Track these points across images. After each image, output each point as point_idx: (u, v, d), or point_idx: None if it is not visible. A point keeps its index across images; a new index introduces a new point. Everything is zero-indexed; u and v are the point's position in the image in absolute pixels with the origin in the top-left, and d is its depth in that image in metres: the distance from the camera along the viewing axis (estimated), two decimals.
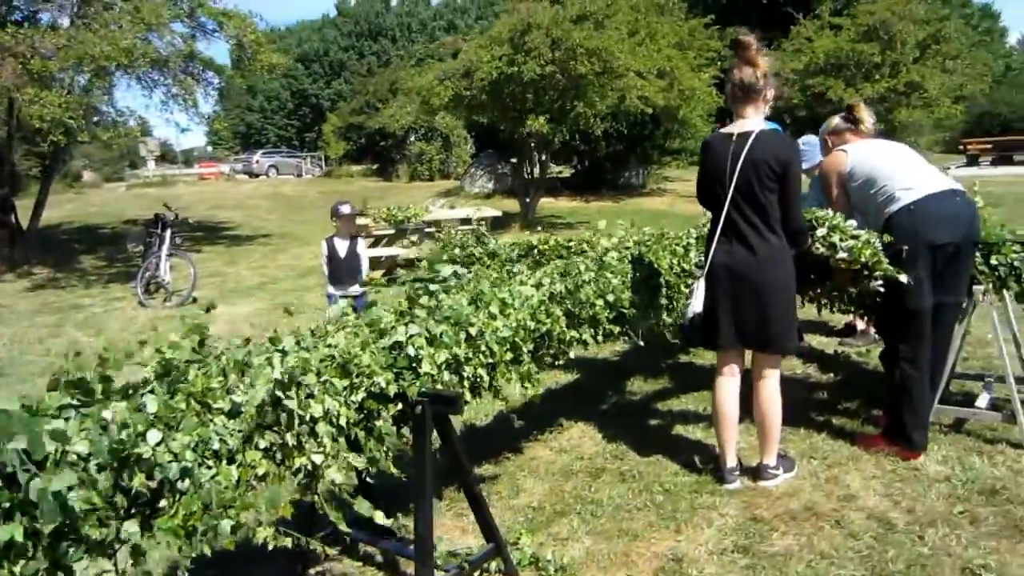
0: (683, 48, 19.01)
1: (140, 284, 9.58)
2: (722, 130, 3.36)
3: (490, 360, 3.08)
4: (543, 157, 14.55)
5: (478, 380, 3.04)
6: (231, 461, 2.12)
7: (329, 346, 2.53)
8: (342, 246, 5.69)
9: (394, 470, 2.59)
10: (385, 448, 2.60)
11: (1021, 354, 4.19)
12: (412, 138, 29.32)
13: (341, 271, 5.65)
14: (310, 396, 2.32)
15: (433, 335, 2.83)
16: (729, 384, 3.45)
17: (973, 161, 25.96)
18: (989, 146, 26.53)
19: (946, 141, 33.97)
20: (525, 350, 3.21)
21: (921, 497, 3.24)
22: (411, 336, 2.74)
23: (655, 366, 5.45)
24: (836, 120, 4.10)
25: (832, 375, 5.03)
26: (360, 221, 10.79)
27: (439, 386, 2.84)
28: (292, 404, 2.22)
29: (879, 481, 3.41)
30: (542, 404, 4.90)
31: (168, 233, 9.87)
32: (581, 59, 11.88)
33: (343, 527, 2.47)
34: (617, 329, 3.84)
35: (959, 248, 3.46)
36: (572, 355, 3.71)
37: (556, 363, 3.52)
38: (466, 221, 12.07)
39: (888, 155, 3.70)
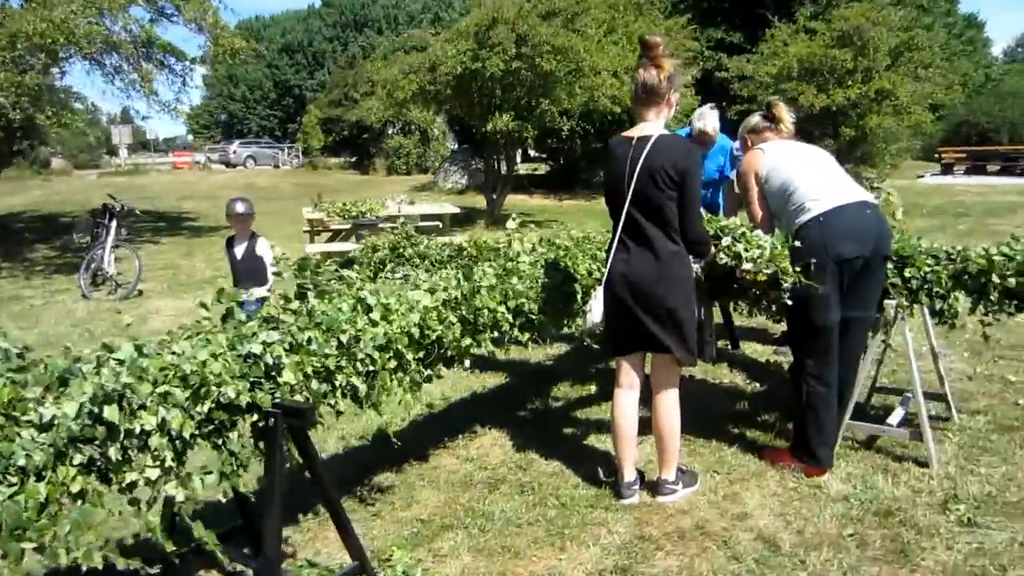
0: None
1: (85, 276, 9.38)
2: (623, 134, 3.24)
3: (370, 368, 2.96)
4: (511, 154, 14.42)
5: (354, 390, 2.92)
6: (39, 478, 1.98)
7: (174, 354, 2.39)
8: (239, 247, 5.24)
9: (241, 486, 2.47)
10: (238, 462, 2.47)
11: (939, 369, 4.11)
12: (390, 132, 29.09)
13: (239, 274, 5.20)
14: (142, 407, 2.18)
15: (299, 342, 2.71)
16: (627, 396, 3.34)
17: (948, 170, 26.04)
18: (963, 155, 26.62)
19: (924, 149, 34.13)
20: (411, 358, 3.09)
21: (815, 517, 3.14)
22: (269, 344, 2.61)
23: (584, 371, 5.34)
24: (756, 118, 3.98)
25: (758, 384, 4.94)
26: (314, 216, 10.63)
27: (306, 396, 2.72)
28: (112, 416, 2.08)
29: (777, 499, 3.32)
30: (461, 408, 4.79)
31: (114, 224, 9.67)
32: (547, 56, 11.75)
33: (210, 544, 2.33)
34: (527, 336, 3.73)
35: (868, 262, 3.36)
36: (503, 357, 3.62)
37: (456, 366, 3.42)
38: (427, 218, 11.92)
39: (801, 161, 3.58)
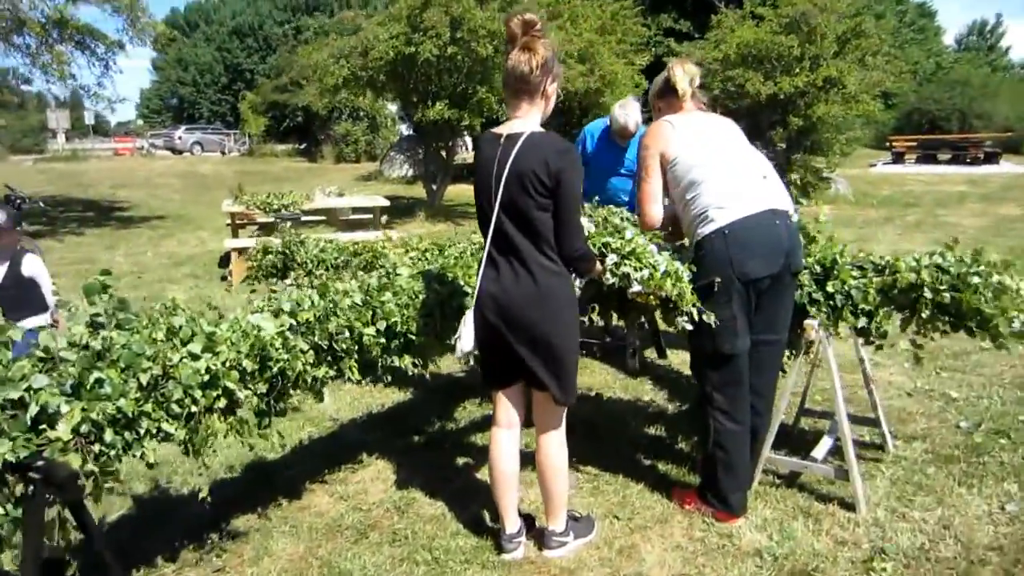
0: (606, 32, 18.49)
1: None
2: (494, 130, 2.75)
3: (192, 409, 2.46)
4: (451, 142, 13.86)
5: (168, 436, 2.41)
6: None
7: None
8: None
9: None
10: None
11: (872, 393, 3.71)
12: (337, 118, 28.29)
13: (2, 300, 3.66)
14: None
15: (84, 385, 2.19)
16: (506, 436, 2.87)
17: (899, 158, 26.04)
18: (914, 144, 26.64)
19: (876, 137, 34.24)
20: (243, 396, 2.59)
21: None
22: (36, 390, 2.10)
23: None
24: (660, 80, 3.29)
25: (679, 404, 4.51)
26: (235, 209, 9.99)
27: (100, 451, 2.21)
28: None
29: (680, 554, 2.87)
30: (352, 431, 4.31)
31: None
32: (483, 41, 11.20)
33: None
34: (407, 359, 3.24)
35: (777, 279, 2.92)
36: (414, 372, 3.18)
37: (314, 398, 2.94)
38: (359, 210, 11.33)
39: (712, 151, 3.02)
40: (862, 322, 3.14)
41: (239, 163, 30.36)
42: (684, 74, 3.17)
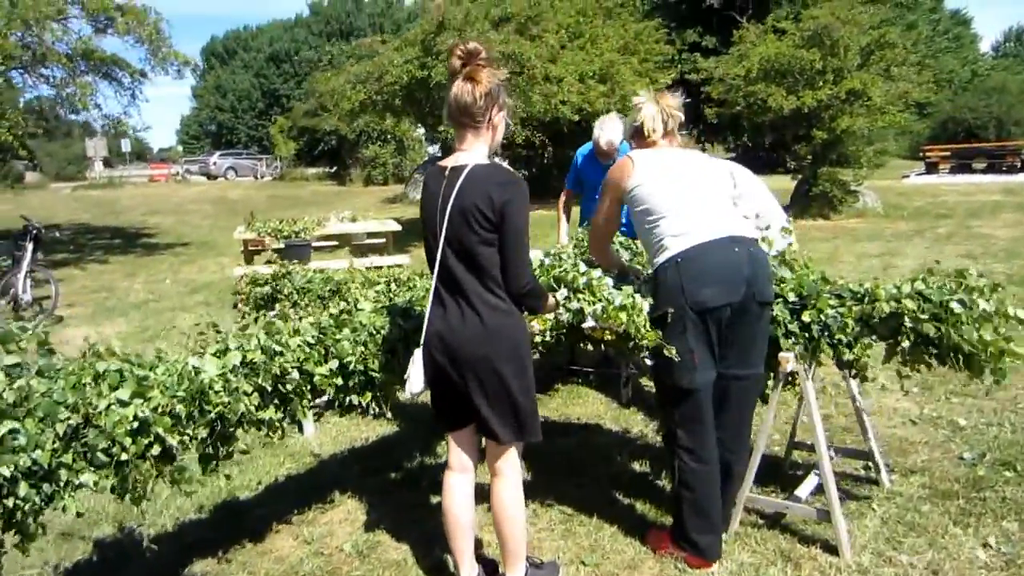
0: (628, 52, 18.42)
1: (1, 303, 8.82)
2: (440, 163, 2.65)
3: (122, 457, 2.37)
4: None
5: (93, 487, 2.33)
6: None
7: None
8: None
9: None
10: None
11: (864, 423, 3.51)
12: (365, 141, 28.51)
13: None
14: None
15: None
16: (458, 481, 2.74)
17: (932, 168, 25.45)
18: (947, 153, 26.02)
19: (911, 147, 33.59)
20: (176, 441, 2.49)
21: None
22: None
23: None
24: (630, 122, 3.18)
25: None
26: (247, 236, 10.00)
27: (12, 503, 2.14)
28: None
29: None
30: (331, 467, 4.22)
31: (30, 247, 9.10)
32: (497, 63, 11.14)
33: None
34: (368, 397, 3.14)
35: (742, 310, 2.75)
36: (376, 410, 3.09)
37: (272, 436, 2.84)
38: (374, 235, 11.28)
39: (674, 181, 2.91)
40: (844, 354, 2.95)
41: (270, 188, 30.73)
42: (656, 114, 3.05)
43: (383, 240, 10.70)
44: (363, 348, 3.06)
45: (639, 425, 4.50)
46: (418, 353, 2.67)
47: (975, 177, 23.35)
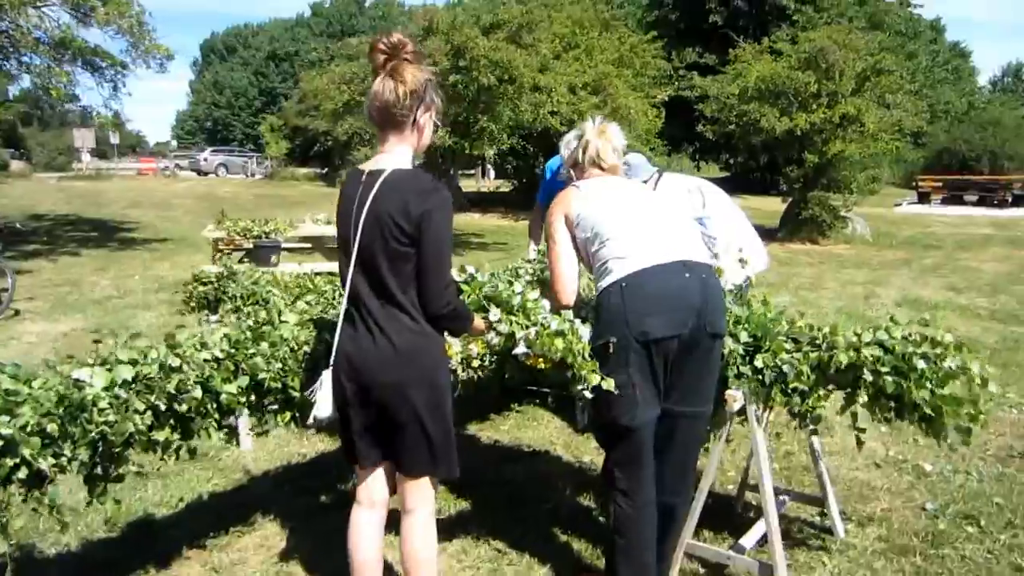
0: (623, 65, 18.28)
1: None
2: (359, 165, 2.43)
3: None
4: (451, 171, 13.64)
5: None
6: None
7: None
8: None
9: None
10: None
11: (820, 470, 3.28)
12: (357, 143, 28.26)
13: None
14: None
15: None
16: (366, 518, 2.50)
17: (924, 198, 25.42)
18: (940, 184, 25.98)
19: (904, 176, 33.60)
20: (48, 464, 2.25)
21: None
22: None
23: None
24: (570, 154, 2.99)
25: None
26: (217, 234, 9.74)
27: None
28: None
29: None
30: (263, 484, 3.98)
31: None
32: (484, 70, 10.95)
33: None
34: (287, 416, 2.90)
35: (692, 341, 2.53)
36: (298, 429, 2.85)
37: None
38: None
39: (618, 205, 2.70)
40: (798, 403, 2.71)
41: (259, 186, 30.47)
42: (604, 145, 2.84)
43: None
44: (281, 365, 2.83)
45: (591, 453, 4.27)
46: (327, 375, 2.43)
47: (966, 209, 23.32)
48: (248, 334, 2.93)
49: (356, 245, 2.28)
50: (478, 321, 2.52)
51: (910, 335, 2.67)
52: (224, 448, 4.38)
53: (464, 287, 2.77)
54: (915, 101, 16.56)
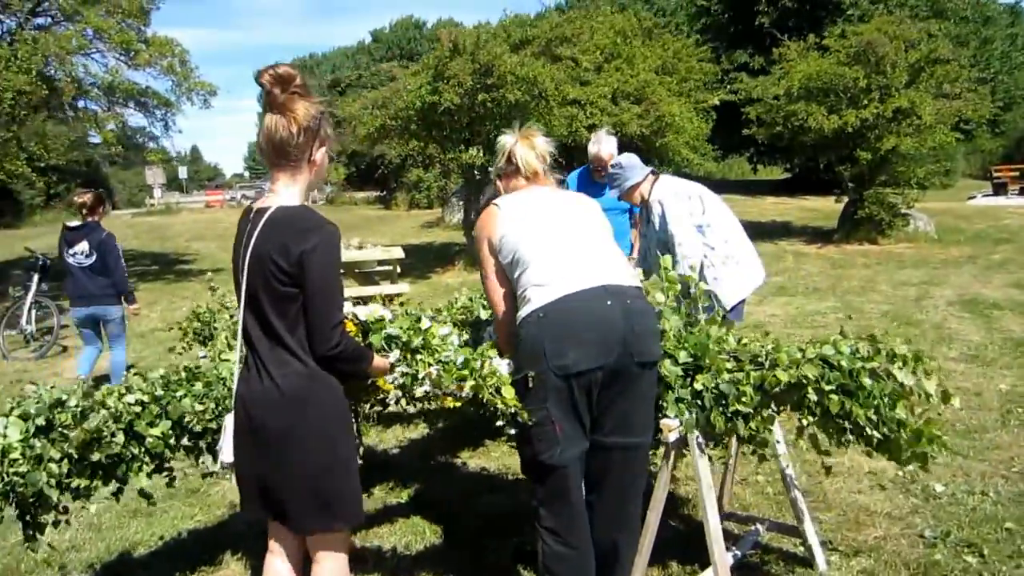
0: (667, 72, 17.99)
1: (4, 333, 8.88)
2: (253, 203, 2.35)
3: None
4: (485, 189, 13.60)
5: None
6: None
7: None
8: None
9: None
10: None
11: (794, 496, 3.04)
12: (410, 165, 28.56)
13: None
14: None
15: None
16: (276, 566, 2.39)
17: (1000, 190, 24.14)
18: (1016, 174, 24.65)
19: (983, 167, 32.16)
20: None
21: None
22: None
23: (430, 463, 4.41)
24: (501, 162, 2.77)
25: None
26: None
27: None
28: None
29: None
30: (237, 523, 3.92)
31: (35, 278, 9.16)
32: (510, 87, 10.88)
33: None
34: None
35: (618, 372, 2.36)
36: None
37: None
38: (384, 263, 11.08)
39: (539, 226, 2.53)
40: (739, 427, 2.49)
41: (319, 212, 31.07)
42: (529, 153, 2.69)
43: (391, 267, 10.48)
44: (216, 405, 2.78)
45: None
46: (229, 419, 2.35)
47: None
48: (183, 374, 2.91)
49: (243, 286, 2.21)
50: (379, 360, 2.40)
51: (858, 350, 2.44)
52: (214, 483, 4.40)
53: (350, 326, 2.57)
54: (979, 89, 15.70)
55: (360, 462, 2.46)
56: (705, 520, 2.54)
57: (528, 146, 2.69)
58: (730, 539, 3.31)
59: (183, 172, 38.87)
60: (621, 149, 14.66)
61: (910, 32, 14.38)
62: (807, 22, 24.58)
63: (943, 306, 8.80)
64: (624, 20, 18.48)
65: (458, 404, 2.48)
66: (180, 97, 13.00)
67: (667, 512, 2.97)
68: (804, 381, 2.37)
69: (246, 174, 74.44)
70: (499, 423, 2.43)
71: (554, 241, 2.50)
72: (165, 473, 2.80)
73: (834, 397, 2.36)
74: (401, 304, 4.50)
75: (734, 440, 3.06)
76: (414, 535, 3.58)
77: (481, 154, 11.59)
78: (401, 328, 2.51)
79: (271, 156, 2.23)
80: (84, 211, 6.11)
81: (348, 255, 10.42)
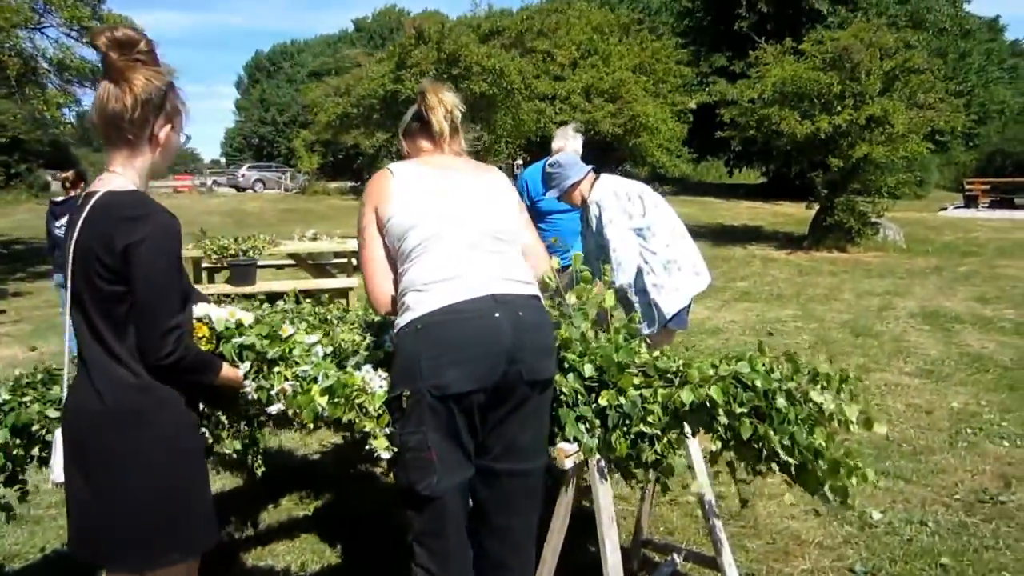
0: (643, 72, 17.79)
1: None
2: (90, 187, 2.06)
3: None
4: None
5: None
6: None
7: None
8: None
9: None
10: None
11: (713, 525, 2.80)
12: (385, 155, 28.24)
13: None
14: None
15: None
16: None
17: (971, 202, 24.23)
18: (988, 187, 24.75)
19: (956, 180, 32.34)
20: None
21: None
22: None
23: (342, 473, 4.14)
24: (407, 116, 2.41)
25: None
26: (195, 254, 9.51)
27: None
28: None
29: None
30: None
31: None
32: (476, 78, 10.58)
33: None
34: None
35: (504, 392, 2.09)
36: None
37: None
38: (340, 255, 10.72)
39: (433, 211, 2.19)
40: (643, 450, 2.23)
41: (288, 201, 30.57)
42: (439, 105, 2.31)
43: (346, 260, 10.13)
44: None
45: None
46: (58, 433, 2.06)
47: (1016, 213, 22.16)
48: (39, 376, 2.61)
49: (69, 282, 1.91)
50: (229, 371, 2.11)
51: (774, 368, 2.19)
52: None
53: (204, 331, 2.27)
54: (951, 100, 15.64)
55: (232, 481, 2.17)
56: (604, 560, 2.28)
57: (436, 100, 2.30)
58: (647, 567, 3.08)
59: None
60: (592, 148, 14.41)
61: (886, 40, 14.28)
62: (786, 27, 24.47)
63: (904, 317, 8.65)
64: (601, 16, 18.24)
65: (318, 425, 2.20)
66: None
67: (584, 537, 2.73)
68: (709, 403, 2.12)
69: (222, 160, 73.66)
70: (369, 447, 2.15)
71: (445, 234, 2.16)
72: (17, 487, 2.51)
73: (746, 420, 2.11)
74: (321, 302, 4.16)
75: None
76: (313, 553, 3.31)
77: None
78: (258, 336, 2.22)
79: (104, 132, 1.92)
80: (67, 185, 6.90)
81: (302, 246, 10.08)
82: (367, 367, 2.27)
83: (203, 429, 2.25)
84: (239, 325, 2.28)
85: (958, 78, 33.55)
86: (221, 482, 4.09)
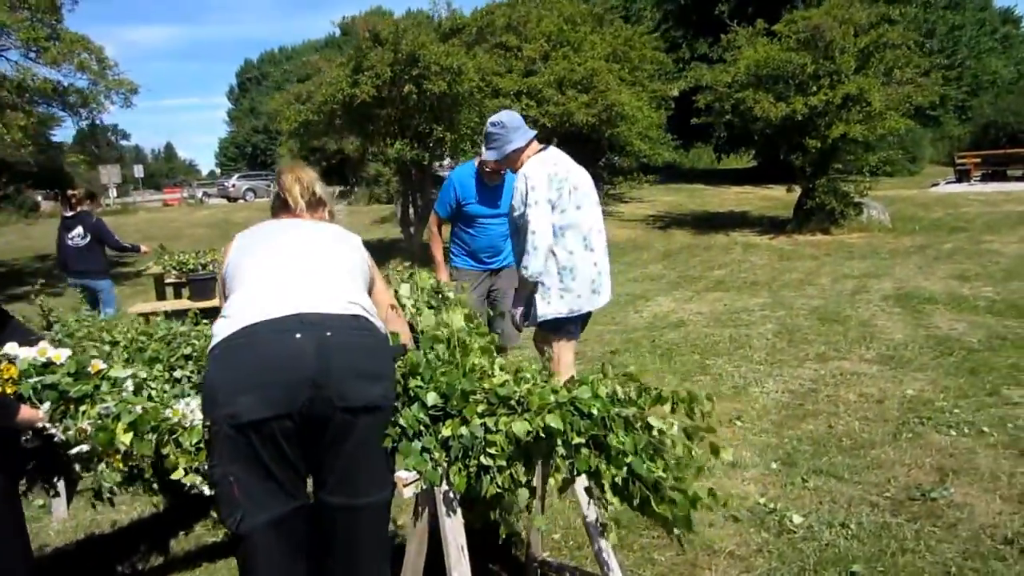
0: (617, 60, 17.57)
1: None
2: None
3: None
4: (424, 183, 13.09)
5: None
6: None
7: None
8: None
9: None
10: None
11: (599, 552, 2.63)
12: (370, 160, 28.08)
13: None
14: None
15: None
16: None
17: (964, 177, 23.89)
18: (980, 160, 24.41)
19: (949, 154, 31.99)
20: None
21: None
22: None
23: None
24: (272, 196, 2.50)
25: None
26: (155, 270, 9.39)
27: None
28: None
29: None
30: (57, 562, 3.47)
31: None
32: (434, 78, 10.40)
33: None
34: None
35: (318, 420, 1.94)
36: None
37: None
38: None
39: (263, 253, 2.18)
40: (485, 485, 2.05)
41: None
42: (294, 184, 2.39)
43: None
44: None
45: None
46: None
47: (1008, 185, 21.82)
48: None
49: None
50: (27, 412, 1.97)
51: (616, 392, 2.02)
52: (35, 518, 3.96)
53: (12, 371, 2.12)
54: (935, 73, 15.35)
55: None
56: None
57: (293, 179, 2.39)
58: None
59: (138, 171, 38.01)
60: (568, 139, 14.07)
61: (860, 16, 14.02)
62: (765, 11, 24.23)
63: (876, 301, 8.45)
64: (572, 7, 18.03)
65: (124, 467, 2.05)
66: (100, 95, 12.44)
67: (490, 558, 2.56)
68: (543, 434, 1.95)
69: (217, 170, 73.76)
70: (184, 483, 2.00)
71: (267, 265, 2.11)
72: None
73: (584, 452, 1.94)
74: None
75: (537, 473, 2.63)
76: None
77: (409, 148, 11.13)
78: (63, 375, 2.07)
79: None
80: (74, 201, 7.99)
81: None
82: (189, 398, 2.12)
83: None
84: (48, 364, 2.13)
85: (947, 51, 33.25)
86: (128, 513, 3.95)
